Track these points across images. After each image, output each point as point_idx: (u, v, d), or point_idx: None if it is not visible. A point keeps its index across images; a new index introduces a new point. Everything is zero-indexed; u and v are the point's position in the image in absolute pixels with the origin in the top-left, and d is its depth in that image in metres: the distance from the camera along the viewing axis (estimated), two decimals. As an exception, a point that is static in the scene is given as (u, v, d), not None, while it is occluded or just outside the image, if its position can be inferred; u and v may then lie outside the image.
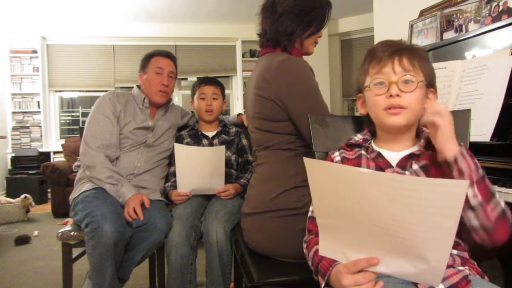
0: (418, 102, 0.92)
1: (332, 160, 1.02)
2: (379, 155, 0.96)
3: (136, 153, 1.82)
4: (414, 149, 0.95)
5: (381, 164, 0.95)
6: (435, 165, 0.90)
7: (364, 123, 1.07)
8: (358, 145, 1.02)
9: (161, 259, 1.81)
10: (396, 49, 0.93)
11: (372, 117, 0.98)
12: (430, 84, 0.95)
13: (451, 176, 0.83)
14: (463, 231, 0.85)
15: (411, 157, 0.93)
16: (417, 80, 0.91)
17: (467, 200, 0.81)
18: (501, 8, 1.72)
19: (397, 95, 0.90)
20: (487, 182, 0.82)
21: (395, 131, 0.95)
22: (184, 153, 1.77)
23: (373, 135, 1.04)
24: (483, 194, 0.80)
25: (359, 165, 0.97)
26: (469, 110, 1.08)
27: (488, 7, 1.78)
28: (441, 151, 0.85)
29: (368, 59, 0.97)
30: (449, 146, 0.83)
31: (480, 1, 1.90)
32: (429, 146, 0.95)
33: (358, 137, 1.03)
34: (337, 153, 1.03)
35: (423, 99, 0.93)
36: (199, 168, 1.75)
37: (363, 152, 1.00)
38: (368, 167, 0.96)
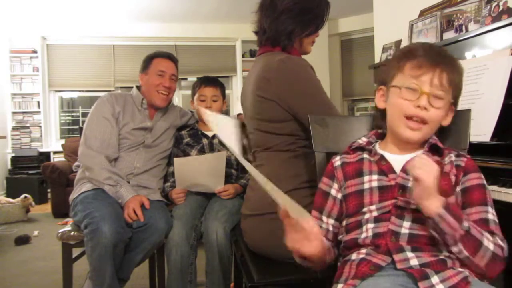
0: (439, 120, 0.92)
1: (332, 165, 1.03)
2: (382, 158, 0.96)
3: (135, 153, 1.82)
4: (418, 153, 0.94)
5: (384, 168, 0.94)
6: (443, 176, 0.88)
7: (375, 119, 1.05)
8: (361, 148, 1.01)
9: (161, 259, 1.81)
10: (440, 60, 0.90)
11: (389, 116, 0.96)
12: (455, 102, 0.95)
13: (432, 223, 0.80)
14: None
15: None
16: (448, 100, 0.90)
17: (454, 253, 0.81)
18: (501, 8, 1.71)
19: (425, 108, 0.88)
20: (473, 233, 0.79)
21: (406, 141, 0.94)
22: (184, 165, 1.77)
23: (379, 137, 1.03)
24: (469, 249, 0.79)
25: (360, 169, 0.97)
26: (469, 110, 1.08)
27: (488, 7, 1.78)
28: (420, 207, 0.80)
29: (407, 58, 0.92)
30: (426, 203, 0.78)
31: (480, 1, 1.90)
32: (432, 151, 0.94)
33: (363, 140, 1.02)
34: (338, 158, 1.03)
35: (444, 116, 0.93)
36: (199, 175, 1.76)
37: (365, 155, 0.99)
38: (371, 171, 0.95)
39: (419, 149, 0.96)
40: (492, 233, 0.83)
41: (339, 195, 1.00)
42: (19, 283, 2.42)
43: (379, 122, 1.04)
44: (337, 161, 1.03)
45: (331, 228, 1.00)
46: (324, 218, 1.00)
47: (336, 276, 0.90)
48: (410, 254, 0.83)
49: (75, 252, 1.73)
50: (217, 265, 1.59)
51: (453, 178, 0.90)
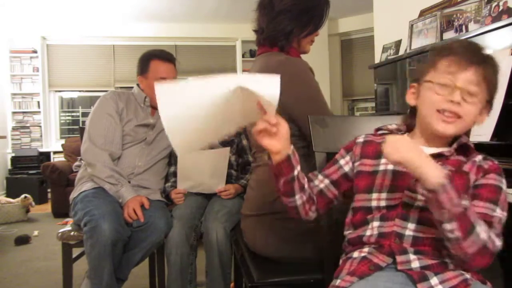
0: (474, 116, 0.88)
1: (354, 141, 1.03)
2: None
3: (137, 151, 1.82)
4: (444, 149, 0.91)
5: None
6: (460, 174, 0.87)
7: (404, 116, 1.02)
8: (389, 133, 0.99)
9: (161, 259, 1.81)
10: (475, 57, 0.87)
11: (421, 114, 0.93)
12: (490, 101, 0.92)
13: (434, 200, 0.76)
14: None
15: (438, 156, 0.90)
16: (483, 97, 0.87)
17: (443, 232, 0.78)
18: (501, 8, 1.72)
19: (458, 103, 0.85)
20: (470, 214, 0.76)
21: (440, 136, 0.91)
22: (188, 159, 1.77)
23: (408, 130, 1.00)
24: (462, 230, 0.76)
25: (380, 151, 0.92)
26: (469, 110, 1.07)
27: (488, 7, 1.78)
28: (419, 181, 0.78)
29: (442, 54, 0.90)
30: (424, 177, 0.75)
31: (480, 1, 1.90)
32: (459, 150, 0.92)
33: (393, 126, 1.00)
34: (362, 136, 1.03)
35: (478, 114, 0.89)
36: (201, 170, 1.76)
37: None
38: None
39: (446, 146, 0.93)
40: (490, 224, 0.80)
41: (347, 167, 1.00)
42: (19, 283, 2.42)
43: (408, 120, 1.01)
44: (360, 138, 1.03)
45: (322, 186, 1.01)
46: (320, 177, 1.02)
47: (336, 272, 0.91)
48: (412, 256, 0.83)
49: (75, 252, 1.73)
50: (217, 265, 1.59)
51: (472, 178, 0.88)
